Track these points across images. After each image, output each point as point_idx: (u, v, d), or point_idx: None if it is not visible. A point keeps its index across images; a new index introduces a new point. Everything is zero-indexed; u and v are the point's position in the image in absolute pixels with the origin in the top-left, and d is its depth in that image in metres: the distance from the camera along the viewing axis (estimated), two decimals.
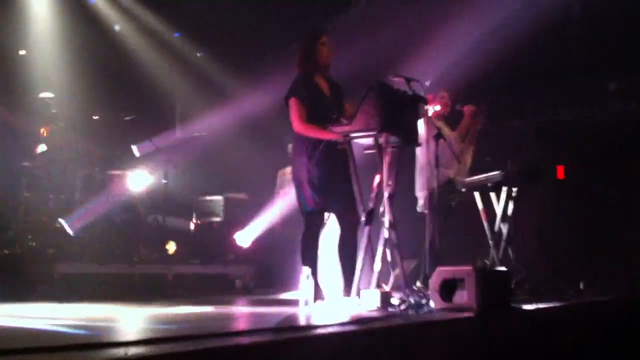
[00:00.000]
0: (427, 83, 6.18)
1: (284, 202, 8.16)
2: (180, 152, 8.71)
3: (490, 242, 6.34)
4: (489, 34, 8.39)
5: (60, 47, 8.80)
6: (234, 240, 8.31)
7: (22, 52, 8.55)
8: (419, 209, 6.38)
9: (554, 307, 4.99)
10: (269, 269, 8.21)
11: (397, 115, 4.79)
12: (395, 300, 4.37)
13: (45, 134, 7.29)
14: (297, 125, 4.99)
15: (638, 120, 8.36)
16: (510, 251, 6.31)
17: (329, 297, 4.76)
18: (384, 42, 8.58)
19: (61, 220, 6.72)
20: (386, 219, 4.72)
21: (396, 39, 8.50)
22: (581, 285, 6.57)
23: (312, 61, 5.12)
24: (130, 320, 3.88)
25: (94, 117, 7.97)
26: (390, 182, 4.78)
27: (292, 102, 5.03)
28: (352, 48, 7.55)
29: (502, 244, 6.34)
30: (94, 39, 9.11)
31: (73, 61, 8.70)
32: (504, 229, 6.34)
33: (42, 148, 7.27)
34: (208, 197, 8.75)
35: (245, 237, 8.30)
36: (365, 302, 4.35)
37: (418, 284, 4.86)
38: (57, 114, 7.42)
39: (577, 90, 8.68)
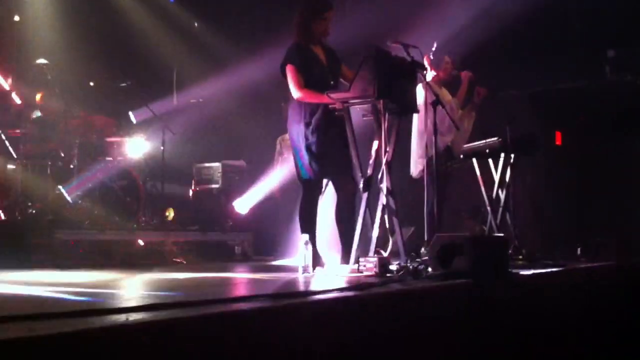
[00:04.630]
0: (434, 48, 6.16)
1: (283, 168, 8.17)
2: (177, 118, 8.69)
3: (488, 208, 6.37)
4: (487, 2, 8.33)
5: (55, 12, 8.70)
6: (233, 207, 8.33)
7: (16, 18, 8.47)
8: (414, 175, 6.39)
9: (550, 273, 5.03)
10: (267, 236, 8.24)
11: (394, 82, 4.77)
12: (393, 266, 4.39)
13: (40, 100, 7.25)
14: (297, 91, 4.97)
15: (633, 89, 8.35)
16: (507, 217, 6.34)
17: (328, 263, 4.79)
18: (383, 8, 8.52)
19: (60, 187, 6.72)
20: (384, 186, 4.73)
21: (395, 6, 8.44)
22: (578, 251, 6.62)
23: (309, 32, 5.07)
24: (131, 287, 3.90)
25: (90, 84, 7.93)
26: (388, 149, 4.78)
27: (289, 69, 5.00)
28: (350, 14, 7.49)
29: (500, 210, 6.37)
30: (89, 3, 9.01)
31: (68, 27, 8.61)
32: (502, 195, 6.37)
33: (36, 114, 7.24)
34: (206, 164, 8.75)
35: (243, 204, 8.31)
36: (364, 269, 4.37)
37: (423, 250, 4.88)
38: (52, 80, 7.37)
39: (572, 59, 8.64)
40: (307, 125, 4.97)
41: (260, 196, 8.31)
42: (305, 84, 4.97)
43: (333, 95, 4.79)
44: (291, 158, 5.25)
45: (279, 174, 8.32)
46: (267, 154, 8.58)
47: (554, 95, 8.69)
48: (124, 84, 7.95)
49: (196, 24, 10.05)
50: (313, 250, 4.39)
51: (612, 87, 8.45)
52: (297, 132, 5.05)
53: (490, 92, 6.55)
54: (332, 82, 5.07)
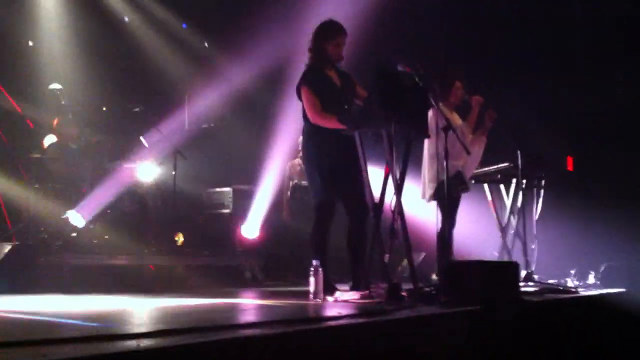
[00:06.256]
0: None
1: (294, 193, 8.17)
2: (189, 143, 8.72)
3: (500, 233, 6.35)
4: (495, 23, 8.39)
5: (68, 38, 8.79)
6: (243, 231, 8.32)
7: (30, 44, 8.57)
8: (425, 200, 6.37)
9: (562, 299, 5.00)
10: (278, 261, 8.22)
11: (405, 106, 4.77)
12: (404, 292, 4.36)
13: (56, 126, 7.32)
14: (312, 114, 4.97)
15: None
16: (519, 243, 6.31)
17: (338, 289, 4.76)
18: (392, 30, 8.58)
19: (70, 212, 6.74)
20: (395, 210, 4.71)
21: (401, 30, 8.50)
22: (590, 277, 6.58)
23: (323, 56, 5.10)
24: (141, 312, 3.89)
25: (103, 109, 7.98)
26: (399, 173, 4.78)
27: (305, 91, 5.01)
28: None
29: (511, 235, 6.35)
30: (102, 30, 9.10)
31: (82, 52, 8.69)
32: (513, 220, 6.35)
33: (50, 139, 7.29)
34: (217, 189, 8.76)
35: (250, 229, 8.30)
36: (374, 295, 4.35)
37: (434, 275, 4.86)
38: (66, 105, 7.43)
39: (584, 80, 8.66)
40: (320, 148, 4.98)
41: (263, 215, 8.28)
42: (321, 106, 4.99)
43: (345, 120, 4.81)
44: (301, 183, 5.26)
45: (289, 198, 8.34)
46: (278, 178, 8.58)
47: (565, 118, 8.69)
48: (136, 109, 8.00)
49: (206, 44, 10.11)
50: (324, 275, 4.37)
51: (623, 108, 8.45)
52: (311, 155, 5.05)
53: (500, 115, 6.54)
54: (345, 107, 5.09)
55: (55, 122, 7.33)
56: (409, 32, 8.53)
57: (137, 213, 7.39)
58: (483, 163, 6.53)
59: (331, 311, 3.68)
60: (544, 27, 8.66)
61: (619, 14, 8.47)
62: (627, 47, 8.45)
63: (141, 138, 7.89)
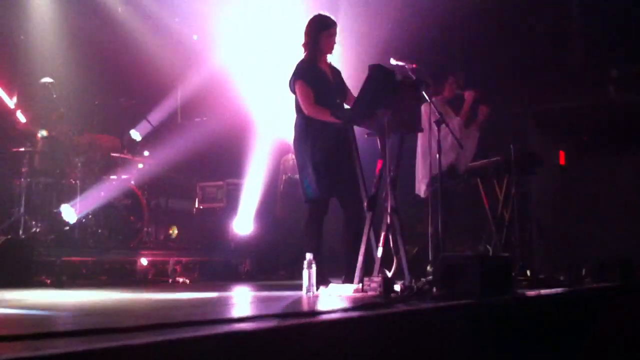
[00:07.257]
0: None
1: (287, 187, 8.17)
2: (182, 137, 8.71)
3: (492, 227, 6.35)
4: (489, 21, 8.39)
5: (60, 32, 8.75)
6: (235, 227, 8.32)
7: (22, 37, 8.53)
8: (420, 194, 6.39)
9: (555, 294, 5.00)
10: (271, 255, 8.22)
11: (397, 100, 4.77)
12: (397, 286, 4.37)
13: (54, 119, 7.29)
14: (306, 107, 4.97)
15: (638, 108, 8.36)
16: (512, 237, 6.32)
17: (331, 283, 4.77)
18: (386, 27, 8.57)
19: (63, 206, 6.72)
20: (388, 205, 4.71)
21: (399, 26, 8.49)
22: (582, 272, 6.59)
23: (317, 49, 5.11)
24: (134, 307, 3.88)
25: (95, 102, 7.94)
26: (392, 167, 4.77)
27: (299, 84, 5.01)
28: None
29: (504, 229, 6.36)
30: (93, 23, 9.06)
31: (73, 46, 8.66)
32: (506, 214, 6.36)
33: (42, 133, 7.26)
34: (210, 183, 8.75)
35: (242, 225, 8.29)
36: (368, 289, 4.35)
37: (427, 270, 4.86)
38: (57, 98, 7.39)
39: (577, 77, 8.66)
40: (313, 143, 4.98)
41: (256, 210, 8.28)
42: (315, 100, 4.99)
43: (338, 113, 4.81)
44: (294, 178, 5.26)
45: (282, 193, 8.33)
46: (271, 172, 8.58)
47: (558, 114, 8.70)
48: (126, 101, 7.99)
49: (195, 37, 10.06)
50: (317, 269, 4.37)
51: (616, 106, 8.46)
52: (303, 150, 5.05)
53: (493, 110, 6.55)
54: (338, 100, 5.09)
55: (53, 116, 7.30)
56: (406, 30, 8.53)
57: (130, 207, 7.38)
58: (475, 157, 6.54)
59: (324, 305, 3.68)
60: (539, 23, 8.66)
61: (616, 10, 8.47)
62: (622, 44, 8.47)
63: (132, 131, 7.87)
